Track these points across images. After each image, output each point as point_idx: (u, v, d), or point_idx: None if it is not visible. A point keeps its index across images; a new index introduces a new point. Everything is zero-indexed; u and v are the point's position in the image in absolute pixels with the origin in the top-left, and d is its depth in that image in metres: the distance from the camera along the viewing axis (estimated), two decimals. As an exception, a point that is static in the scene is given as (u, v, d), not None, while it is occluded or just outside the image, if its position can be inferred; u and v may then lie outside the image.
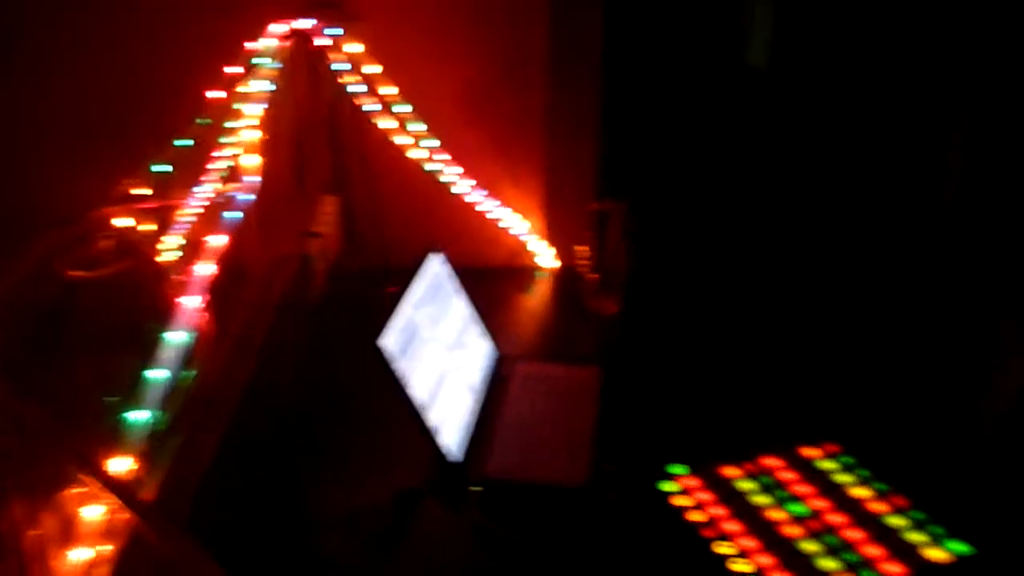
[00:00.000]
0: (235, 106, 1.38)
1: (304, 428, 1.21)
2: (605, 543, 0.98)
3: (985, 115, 1.75)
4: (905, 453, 1.11)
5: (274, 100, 1.42)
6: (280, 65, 1.47)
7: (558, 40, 1.71)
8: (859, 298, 1.64)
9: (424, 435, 1.04)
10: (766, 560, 0.93)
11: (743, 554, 0.94)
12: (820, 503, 1.01)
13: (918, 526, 0.97)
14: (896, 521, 0.98)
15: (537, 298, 1.75)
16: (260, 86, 1.40)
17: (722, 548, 0.95)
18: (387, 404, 1.05)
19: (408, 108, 1.65)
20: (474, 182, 1.75)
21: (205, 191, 1.33)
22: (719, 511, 1.00)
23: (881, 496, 1.02)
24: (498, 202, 1.79)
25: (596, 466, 1.09)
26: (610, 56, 1.77)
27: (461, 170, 1.73)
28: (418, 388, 1.05)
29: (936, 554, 0.93)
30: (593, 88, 1.77)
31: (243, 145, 1.36)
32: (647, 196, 1.86)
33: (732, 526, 0.98)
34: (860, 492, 1.03)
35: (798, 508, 1.01)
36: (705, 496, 1.03)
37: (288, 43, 1.54)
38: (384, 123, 1.64)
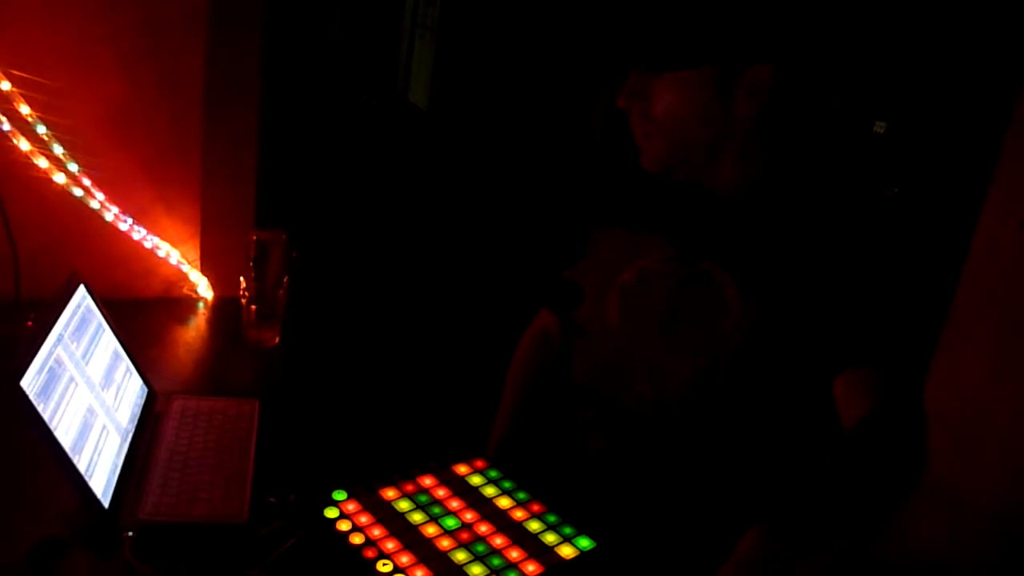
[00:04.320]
0: None
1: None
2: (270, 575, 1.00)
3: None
4: (540, 463, 1.25)
5: None
6: None
7: (216, 64, 1.69)
8: (498, 323, 1.79)
9: (72, 481, 0.98)
10: (422, 574, 1.00)
11: (401, 571, 1.00)
12: (470, 515, 1.11)
13: (552, 528, 1.10)
14: (534, 525, 1.11)
15: (195, 330, 1.70)
16: None
17: (382, 567, 1.00)
18: (24, 450, 0.98)
19: (44, 129, 1.53)
20: (118, 209, 1.66)
21: None
22: (379, 532, 1.06)
23: (521, 504, 1.14)
24: (147, 231, 1.71)
25: (258, 499, 1.10)
26: (270, 86, 1.78)
27: (103, 196, 1.63)
28: (64, 432, 0.99)
29: (566, 551, 1.07)
30: (252, 116, 1.76)
31: None
32: (308, 226, 1.88)
33: (391, 545, 1.04)
34: (504, 502, 1.14)
35: (451, 522, 1.09)
36: (365, 519, 1.08)
37: None
38: (20, 143, 1.51)
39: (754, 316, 1.13)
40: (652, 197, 1.23)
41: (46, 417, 0.96)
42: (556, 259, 1.35)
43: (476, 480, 1.18)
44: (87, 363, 1.13)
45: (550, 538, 1.09)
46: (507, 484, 1.18)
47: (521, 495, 1.16)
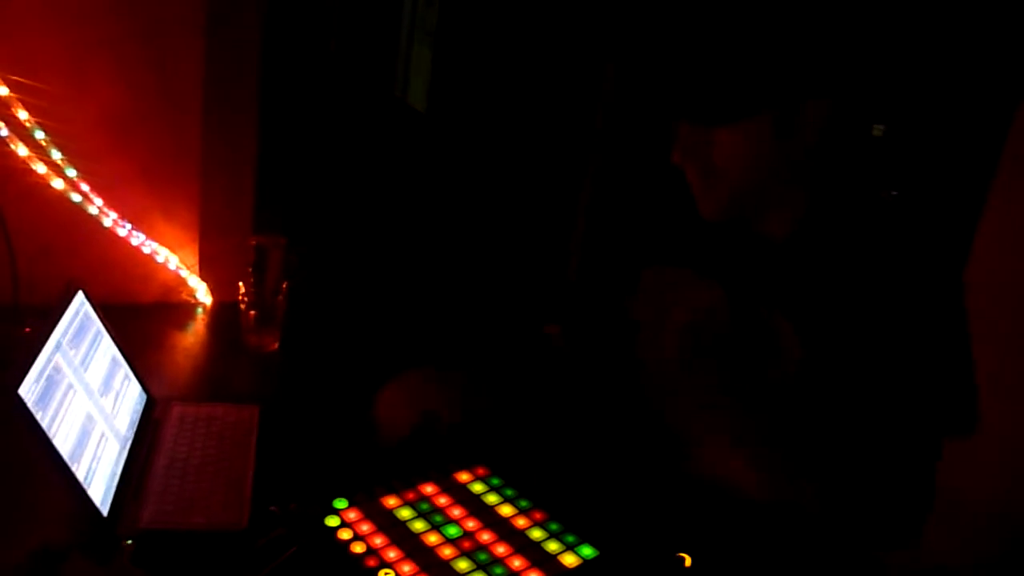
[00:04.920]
0: None
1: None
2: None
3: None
4: (543, 471, 1.23)
5: None
6: None
7: (214, 69, 1.68)
8: (506, 327, 1.78)
9: (70, 489, 0.97)
10: (424, 582, 0.99)
11: (403, 579, 0.99)
12: (472, 523, 1.10)
13: (554, 536, 1.10)
14: (537, 534, 1.10)
15: (194, 336, 1.69)
16: None
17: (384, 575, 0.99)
18: (22, 457, 0.97)
19: (42, 134, 1.53)
20: (116, 215, 1.65)
21: None
22: (380, 541, 1.05)
23: (523, 512, 1.14)
24: (145, 236, 1.70)
25: (258, 507, 1.09)
26: (268, 91, 1.78)
27: (101, 201, 1.63)
28: (62, 439, 0.98)
29: (569, 559, 1.06)
30: (251, 121, 1.76)
31: None
32: (307, 231, 1.88)
33: (393, 554, 1.03)
34: (506, 510, 1.14)
35: (452, 530, 1.08)
36: (367, 527, 1.07)
37: None
38: (18, 149, 1.50)
39: (810, 357, 1.10)
40: (704, 239, 1.21)
41: (44, 425, 0.96)
42: (602, 300, 1.34)
43: (478, 488, 1.18)
44: (86, 370, 1.12)
45: (553, 546, 1.08)
46: (509, 492, 1.17)
47: (523, 503, 1.15)
